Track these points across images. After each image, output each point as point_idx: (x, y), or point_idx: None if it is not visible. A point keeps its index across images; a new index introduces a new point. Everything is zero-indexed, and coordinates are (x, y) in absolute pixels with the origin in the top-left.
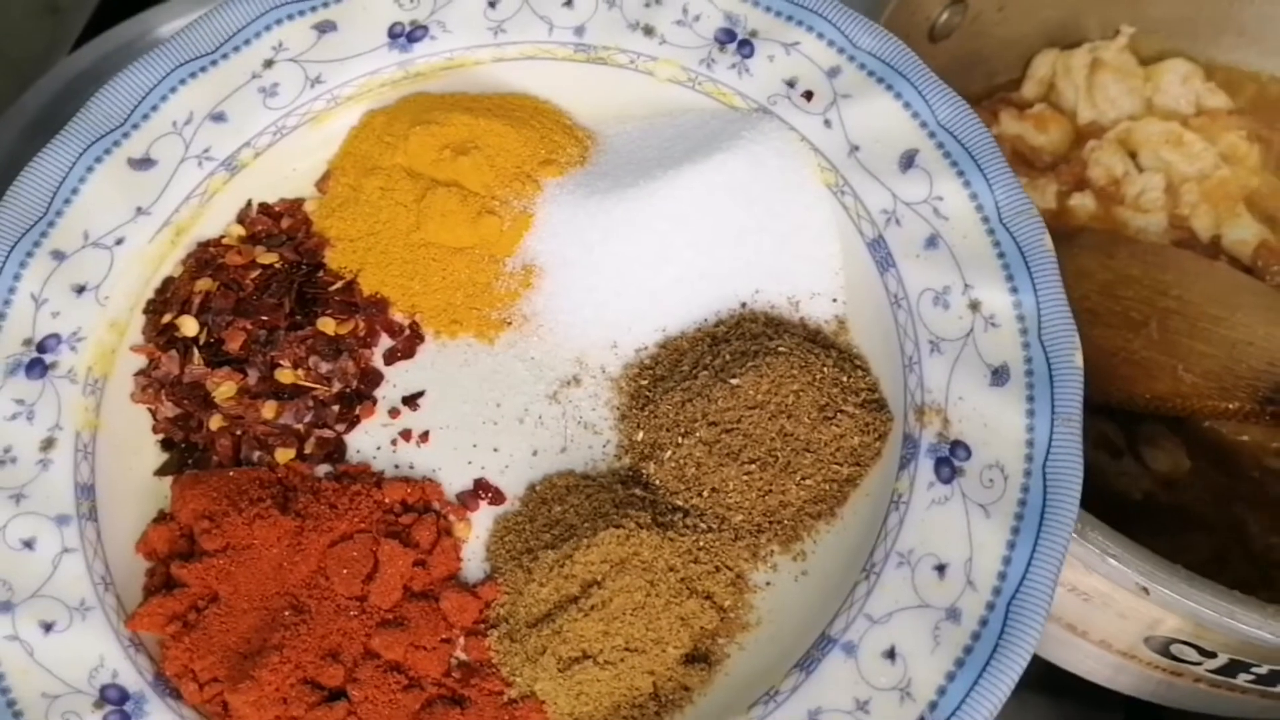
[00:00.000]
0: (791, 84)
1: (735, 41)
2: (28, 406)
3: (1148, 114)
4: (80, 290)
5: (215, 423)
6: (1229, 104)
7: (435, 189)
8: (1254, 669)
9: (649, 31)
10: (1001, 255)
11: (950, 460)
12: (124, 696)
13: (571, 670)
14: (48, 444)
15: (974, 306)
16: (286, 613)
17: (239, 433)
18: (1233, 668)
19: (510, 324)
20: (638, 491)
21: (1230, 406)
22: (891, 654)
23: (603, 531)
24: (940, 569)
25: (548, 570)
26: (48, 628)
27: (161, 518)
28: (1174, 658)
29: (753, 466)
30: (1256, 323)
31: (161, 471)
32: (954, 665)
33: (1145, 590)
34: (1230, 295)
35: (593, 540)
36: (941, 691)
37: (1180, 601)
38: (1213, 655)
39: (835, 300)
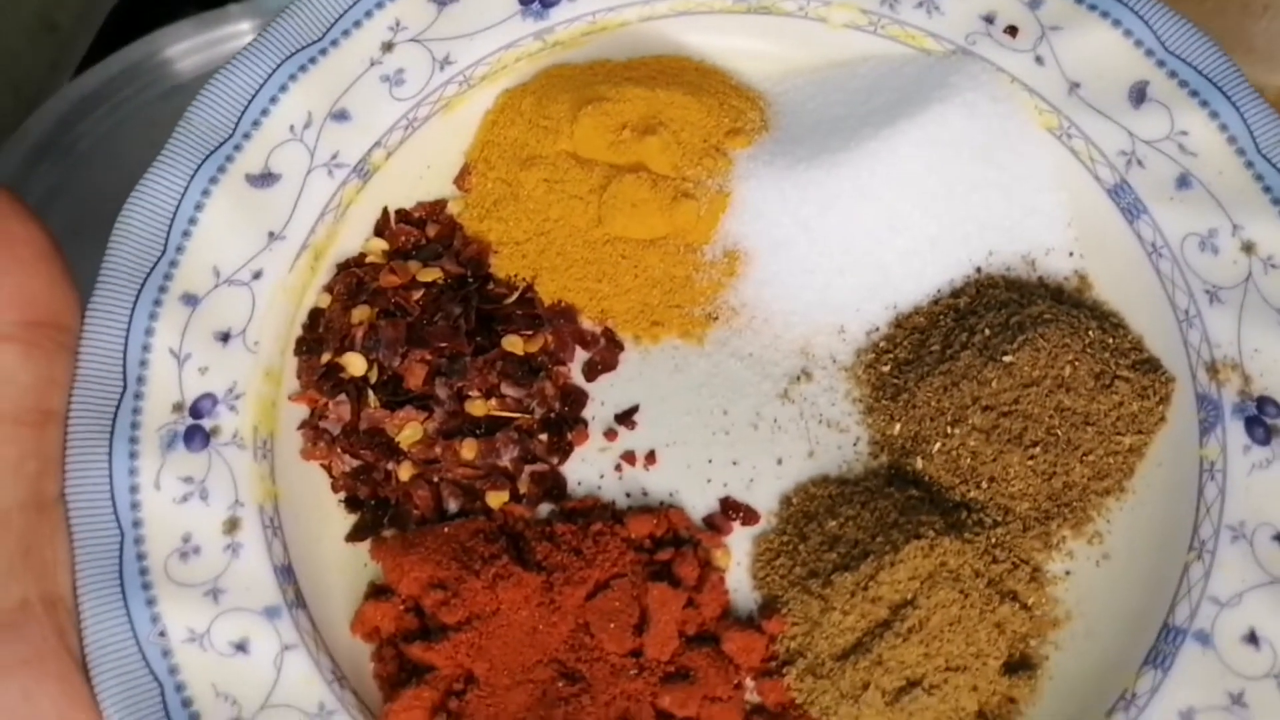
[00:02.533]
0: (990, 19)
1: None
2: (198, 484)
3: None
4: (225, 338)
5: (405, 472)
6: None
7: (620, 176)
8: None
9: None
10: (1268, 189)
11: (1261, 419)
12: None
13: (900, 702)
14: (232, 525)
15: (1248, 248)
16: (559, 683)
17: (436, 480)
18: None
19: (718, 319)
20: (914, 492)
21: None
22: (1253, 638)
23: (906, 546)
24: None
25: (848, 595)
26: None
27: (375, 592)
28: None
29: (1035, 449)
30: None
31: (354, 537)
32: None
33: None
34: None
35: (896, 557)
36: None
37: None
38: None
39: (1072, 254)
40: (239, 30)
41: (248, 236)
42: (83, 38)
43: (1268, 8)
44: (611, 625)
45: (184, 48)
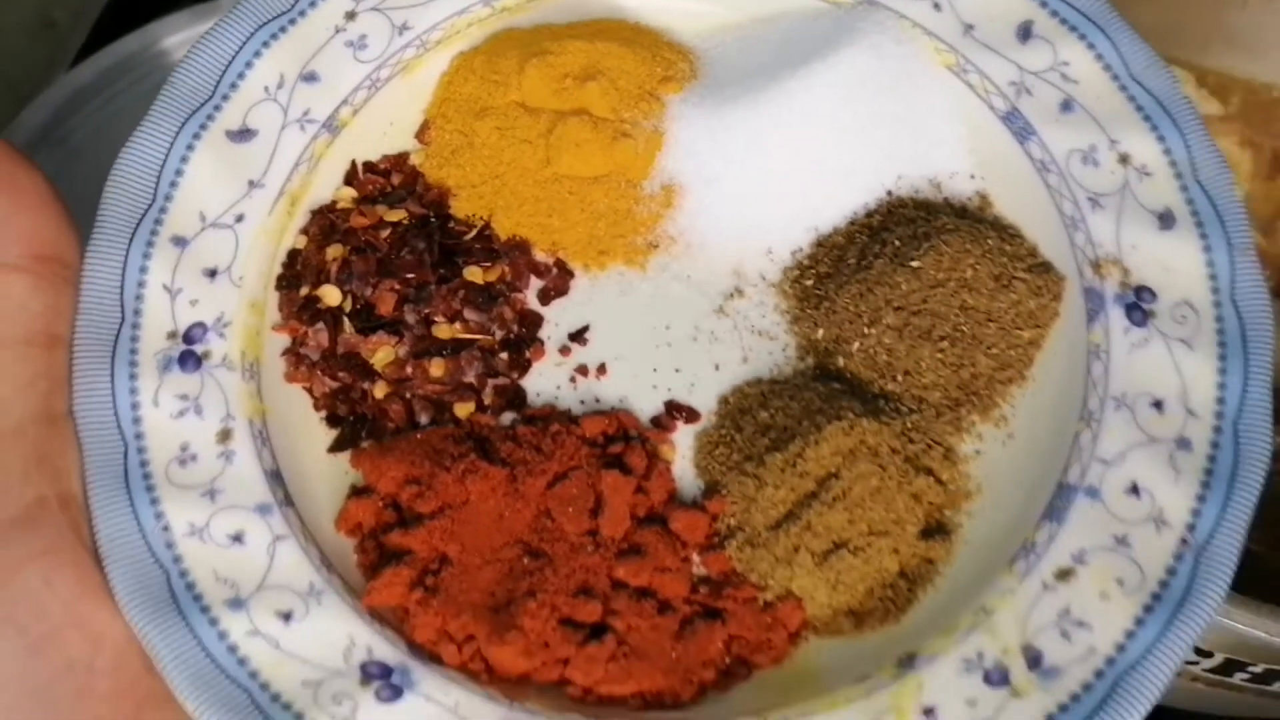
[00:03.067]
0: None
1: None
2: (193, 400)
3: None
4: (212, 274)
5: (380, 390)
6: (1221, 110)
7: (564, 120)
8: (1249, 668)
9: None
10: (1140, 109)
11: (1139, 305)
12: (387, 670)
13: (828, 562)
14: (225, 435)
15: (1124, 160)
16: (525, 560)
17: (408, 396)
18: (1229, 667)
19: (658, 247)
20: (837, 385)
21: None
22: (1135, 489)
23: (828, 426)
24: (1158, 404)
25: (779, 472)
26: (286, 617)
27: (357, 492)
28: None
29: (944, 343)
30: None
31: (336, 448)
32: (1200, 488)
33: None
34: None
35: (820, 435)
36: (1195, 514)
37: None
38: (1209, 655)
39: (973, 177)
40: None
41: (230, 185)
42: (79, 34)
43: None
44: (570, 509)
45: (178, 40)
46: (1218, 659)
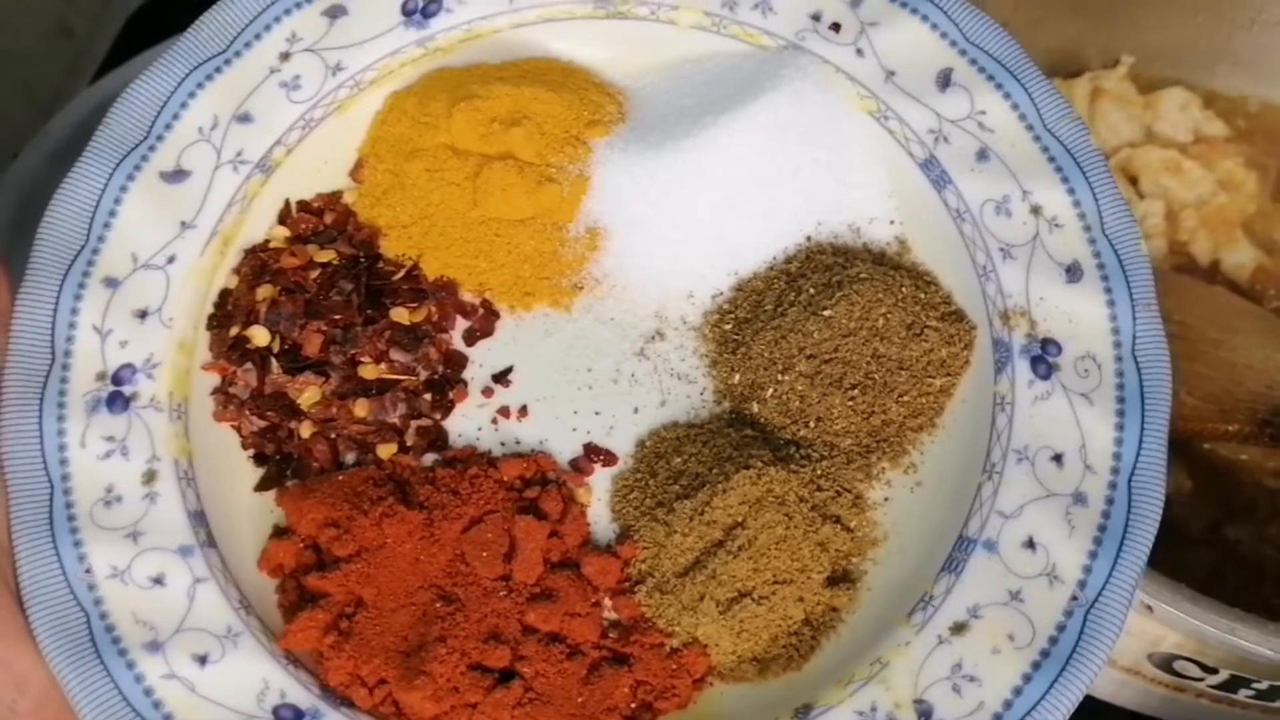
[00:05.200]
0: (816, 17)
1: None
2: (119, 442)
3: (1148, 141)
4: (143, 315)
5: (306, 430)
6: (1226, 131)
7: (490, 164)
8: (1254, 684)
9: None
10: (1052, 159)
11: (1044, 357)
12: (299, 714)
13: (732, 610)
14: (149, 477)
15: (1035, 211)
16: (438, 604)
17: (333, 436)
18: (1234, 683)
19: (583, 288)
20: (749, 432)
21: (1230, 429)
22: (1031, 544)
23: (735, 475)
24: (1057, 458)
25: (688, 520)
26: (202, 660)
27: (279, 533)
28: (1176, 674)
29: (855, 391)
30: (1254, 346)
31: (261, 487)
32: (1093, 544)
33: (1149, 608)
34: (1229, 319)
35: (728, 485)
36: (1087, 570)
37: (1183, 619)
38: (1214, 671)
39: (893, 222)
40: None
41: (162, 226)
42: (99, 43)
43: (1254, 20)
44: (484, 554)
45: None
46: (1223, 675)
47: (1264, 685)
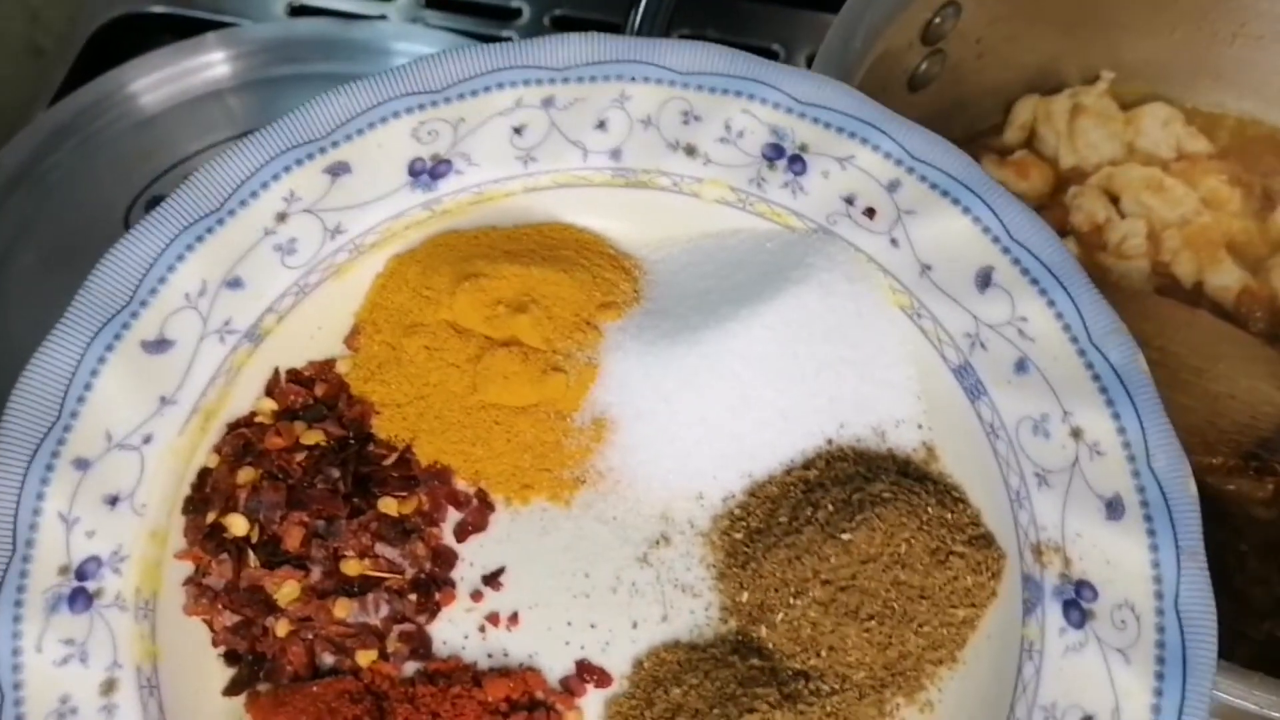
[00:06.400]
0: (850, 200)
1: (785, 157)
2: (79, 646)
3: (1129, 159)
4: (113, 501)
5: (282, 629)
6: (1209, 148)
7: (493, 350)
8: None
9: (691, 151)
10: (1097, 378)
11: (1078, 602)
12: None
13: None
14: (108, 686)
15: (1076, 434)
16: None
17: (310, 637)
18: None
19: (585, 482)
20: (756, 662)
21: (1214, 462)
22: None
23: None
24: None
25: None
26: None
27: None
28: None
29: (871, 622)
30: (1238, 375)
31: (231, 691)
32: None
33: None
34: (1212, 346)
35: None
36: None
37: None
38: None
39: (920, 426)
40: (211, 60)
41: (140, 402)
42: (62, 65)
43: (1235, 35)
44: None
45: (155, 79)
46: None
47: None
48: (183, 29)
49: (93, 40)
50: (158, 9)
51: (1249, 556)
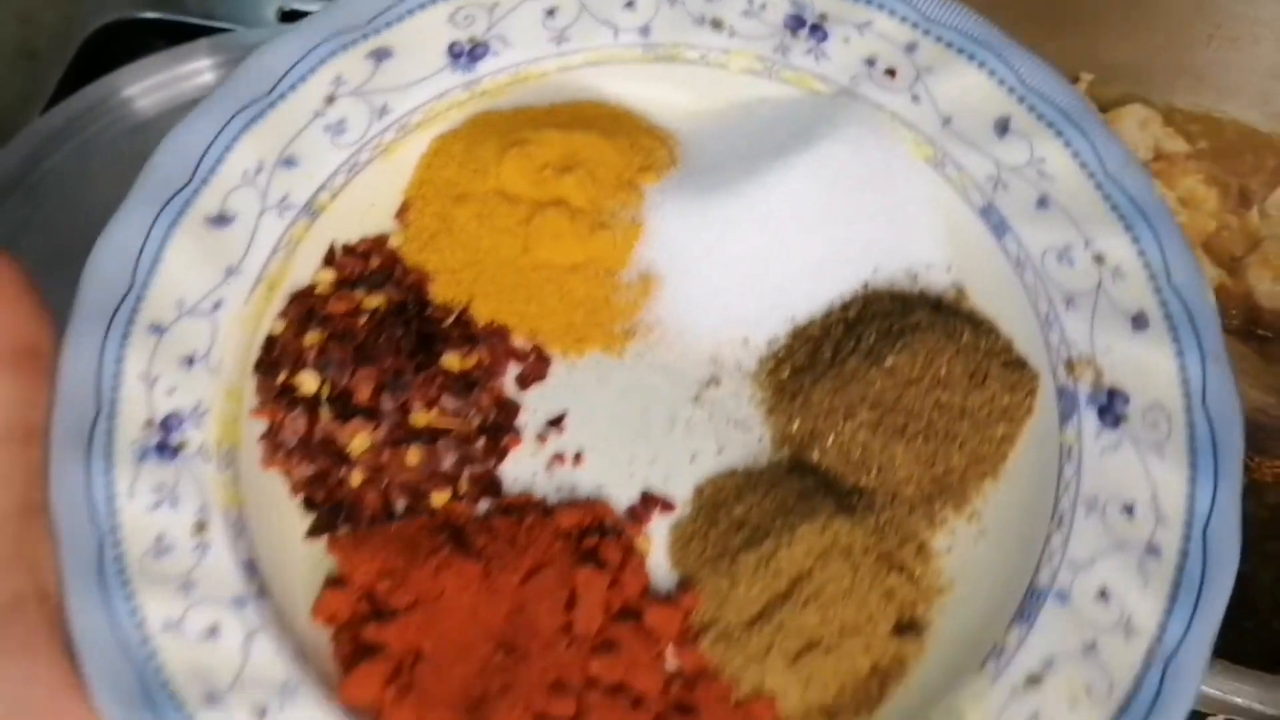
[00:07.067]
0: (871, 63)
1: (806, 27)
2: (168, 492)
3: None
4: (189, 362)
5: (357, 478)
6: (1187, 148)
7: (542, 210)
8: None
9: (717, 25)
10: (1115, 208)
11: (1111, 408)
12: None
13: (800, 661)
14: (199, 527)
15: (1098, 260)
16: (498, 655)
17: (384, 484)
18: None
19: (636, 334)
20: (811, 481)
21: None
22: (1104, 595)
23: (801, 526)
24: (1128, 509)
25: (753, 571)
26: (261, 713)
27: (332, 583)
28: None
29: (917, 440)
30: None
31: (312, 533)
32: (1168, 597)
33: None
34: None
35: (793, 536)
36: (1163, 623)
37: None
38: None
39: (950, 269)
40: (202, 66)
41: (207, 272)
42: (56, 67)
43: (1212, 36)
44: (544, 604)
45: (148, 84)
46: None
47: None
48: (175, 35)
49: (86, 46)
50: (150, 15)
51: None
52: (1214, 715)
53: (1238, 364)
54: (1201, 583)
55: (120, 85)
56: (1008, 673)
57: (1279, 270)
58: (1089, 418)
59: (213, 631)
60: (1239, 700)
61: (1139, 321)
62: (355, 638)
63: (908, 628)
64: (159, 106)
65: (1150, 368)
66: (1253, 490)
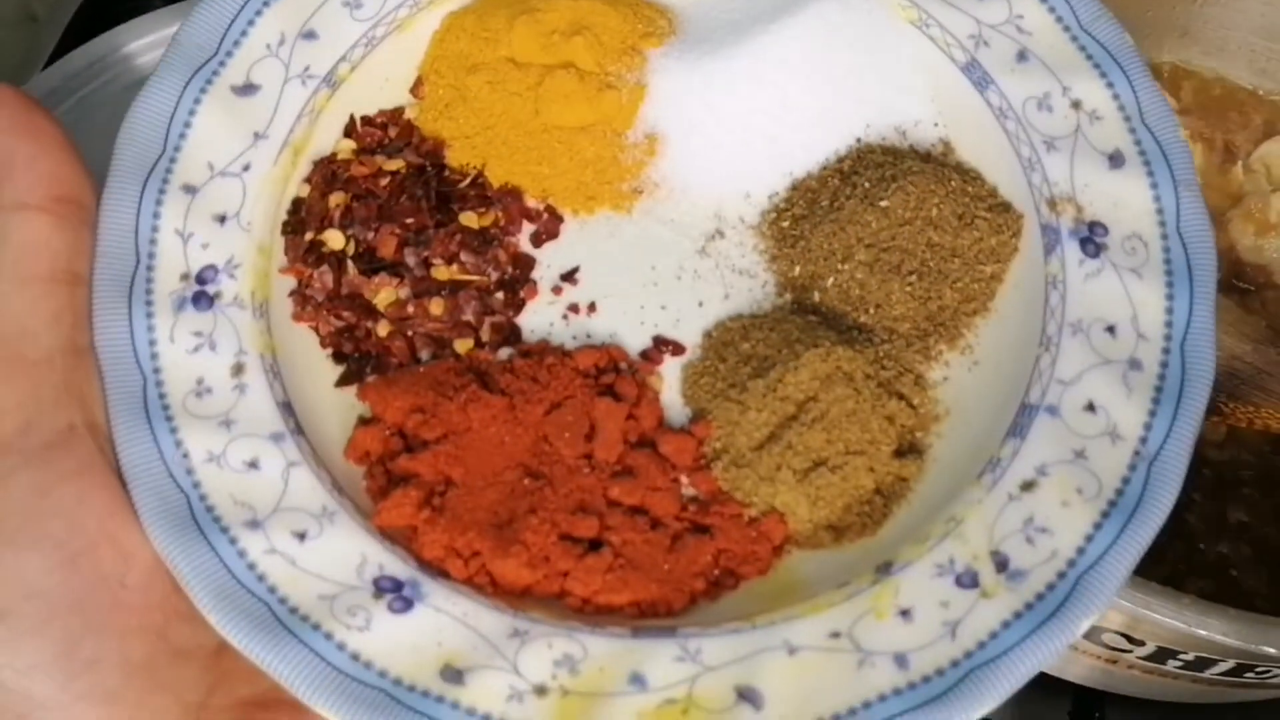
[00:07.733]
0: None
1: None
2: (207, 337)
3: None
4: (222, 219)
5: (383, 329)
6: (1174, 104)
7: (552, 73)
8: (1181, 656)
9: None
10: (1090, 57)
11: (1092, 239)
12: (399, 584)
13: (808, 479)
14: (238, 369)
15: (1076, 105)
16: (525, 481)
17: (410, 334)
18: (1161, 655)
19: (643, 192)
20: (812, 318)
21: None
22: (1091, 407)
23: (806, 353)
24: (1111, 329)
25: (761, 397)
26: (301, 537)
27: (364, 423)
28: (1108, 646)
29: (912, 278)
30: None
31: (343, 382)
32: (1151, 404)
33: None
34: None
35: (799, 362)
36: (1147, 427)
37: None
38: (1141, 644)
39: (937, 124)
40: None
41: (235, 137)
42: (54, 29)
43: None
44: (566, 434)
45: (148, 41)
46: (1150, 648)
47: (1190, 657)
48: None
49: (85, 6)
50: None
51: (1201, 500)
52: (1185, 651)
53: (1221, 316)
54: (1181, 391)
55: (119, 42)
56: (1003, 481)
57: (1261, 225)
58: (1071, 250)
59: (253, 464)
60: (1215, 636)
61: (1115, 159)
62: (388, 471)
63: (908, 451)
64: (157, 63)
65: (1127, 200)
66: (1232, 436)
